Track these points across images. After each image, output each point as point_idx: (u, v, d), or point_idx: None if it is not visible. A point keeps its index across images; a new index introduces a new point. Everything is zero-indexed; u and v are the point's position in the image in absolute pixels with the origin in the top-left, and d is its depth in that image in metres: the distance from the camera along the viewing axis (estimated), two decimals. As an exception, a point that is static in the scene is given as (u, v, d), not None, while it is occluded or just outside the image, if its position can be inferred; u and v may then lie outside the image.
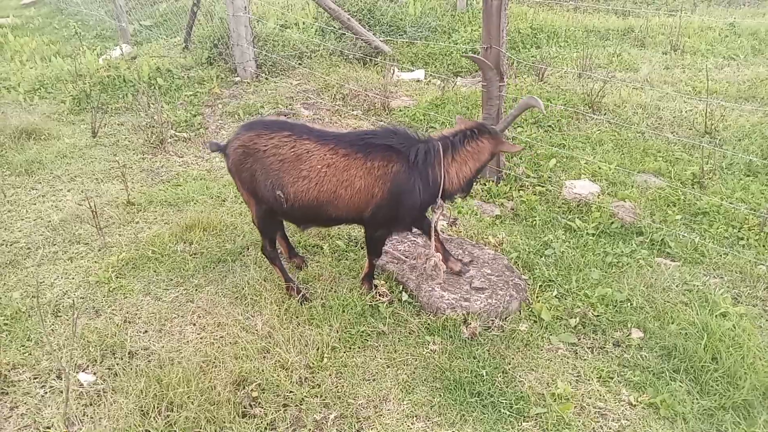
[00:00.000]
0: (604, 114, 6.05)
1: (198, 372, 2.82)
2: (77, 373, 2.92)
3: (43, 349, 3.09)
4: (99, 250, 3.96)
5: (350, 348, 3.09)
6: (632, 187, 4.71)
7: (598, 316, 3.32)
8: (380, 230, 3.30)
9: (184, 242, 4.00)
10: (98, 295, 3.51)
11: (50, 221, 4.34)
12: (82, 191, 4.76)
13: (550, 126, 5.84)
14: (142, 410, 2.65)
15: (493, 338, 3.14)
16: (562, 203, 4.57)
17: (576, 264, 3.78)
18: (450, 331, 3.15)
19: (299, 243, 4.01)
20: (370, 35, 8.11)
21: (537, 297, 3.47)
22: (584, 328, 3.26)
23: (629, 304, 3.40)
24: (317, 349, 3.02)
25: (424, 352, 3.04)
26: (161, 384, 2.75)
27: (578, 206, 4.51)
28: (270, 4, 9.87)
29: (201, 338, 3.12)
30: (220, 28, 7.81)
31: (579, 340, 3.18)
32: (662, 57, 7.63)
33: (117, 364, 2.96)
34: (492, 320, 3.22)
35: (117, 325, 3.24)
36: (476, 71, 7.82)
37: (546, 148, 5.32)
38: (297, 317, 3.27)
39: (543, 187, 4.76)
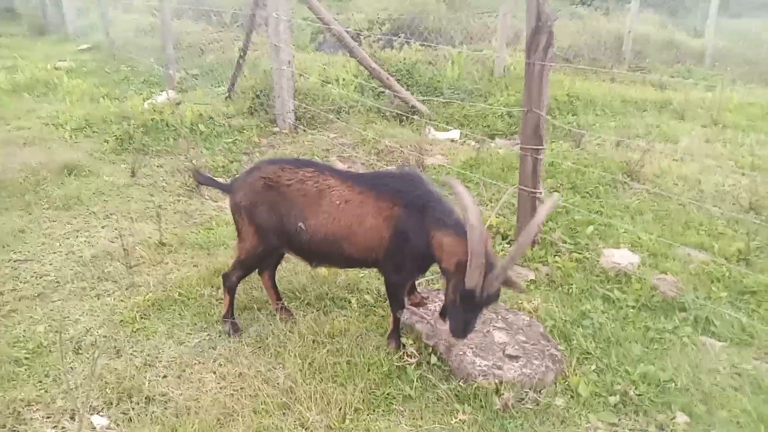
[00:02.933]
0: (644, 183, 5.93)
1: (215, 424, 2.69)
2: (91, 415, 2.82)
3: (60, 388, 3.01)
4: (126, 289, 3.93)
5: (374, 411, 2.93)
6: (674, 259, 4.53)
7: (640, 395, 3.10)
8: (394, 276, 3.28)
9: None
10: (121, 335, 3.44)
11: (81, 257, 4.35)
12: (115, 229, 4.78)
13: (587, 192, 5.73)
14: (154, 461, 2.53)
15: (527, 412, 2.95)
16: (600, 272, 4.40)
17: (615, 337, 3.58)
18: (481, 401, 2.97)
19: (326, 295, 3.91)
20: (407, 94, 8.25)
21: (574, 370, 3.28)
22: (625, 407, 3.05)
23: (673, 384, 3.18)
24: (339, 410, 2.88)
25: (452, 422, 2.87)
26: (175, 433, 2.63)
27: (617, 276, 4.34)
28: (312, 61, 10.18)
29: (221, 388, 3.00)
30: (263, 80, 8.03)
31: (619, 420, 2.96)
32: (702, 130, 7.54)
33: (132, 409, 2.86)
34: (526, 392, 3.04)
35: (137, 367, 3.16)
36: (512, 133, 7.84)
37: (584, 214, 5.20)
38: (320, 373, 3.14)
39: (580, 254, 4.62)
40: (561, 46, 11.86)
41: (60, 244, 4.56)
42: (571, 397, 3.09)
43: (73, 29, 15.08)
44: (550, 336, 3.50)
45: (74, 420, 2.78)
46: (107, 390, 2.98)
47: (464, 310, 2.82)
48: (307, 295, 3.93)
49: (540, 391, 3.07)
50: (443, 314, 3.29)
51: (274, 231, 3.28)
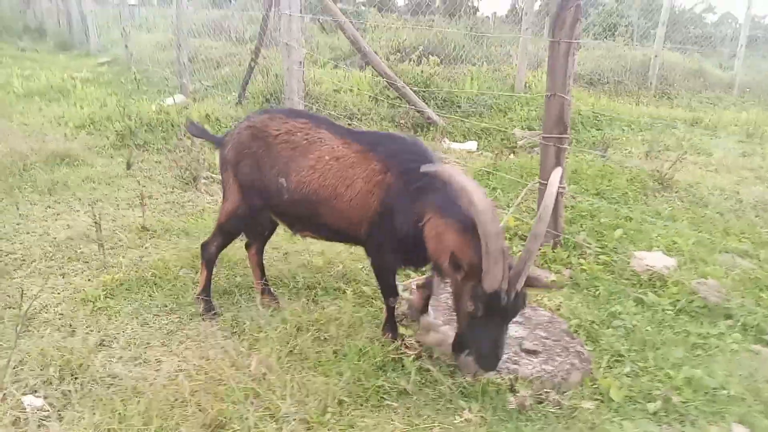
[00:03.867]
0: (676, 192, 5.43)
1: (164, 406, 2.22)
2: (24, 395, 2.36)
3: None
4: (96, 270, 3.52)
5: (362, 405, 2.43)
6: (714, 265, 4.00)
7: (685, 402, 2.56)
8: (376, 258, 2.78)
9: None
10: (79, 314, 3.01)
11: (56, 238, 3.96)
12: (96, 213, 4.41)
13: (614, 198, 5.25)
14: (85, 448, 2.05)
15: (548, 415, 2.43)
16: (631, 275, 3.89)
17: (652, 340, 3.06)
18: (492, 399, 2.46)
19: (319, 284, 3.45)
20: (423, 105, 7.92)
21: (604, 372, 2.75)
22: (667, 415, 2.51)
23: (725, 392, 2.64)
24: (319, 402, 2.38)
25: (455, 422, 2.36)
26: (116, 417, 2.16)
27: (650, 279, 3.82)
28: (328, 74, 9.95)
29: (180, 370, 2.53)
30: (274, 84, 7.78)
31: (661, 429, 2.42)
32: (738, 144, 7.04)
33: (75, 390, 2.40)
34: (546, 392, 2.52)
35: (89, 347, 2.70)
36: (534, 146, 7.41)
37: (611, 218, 4.71)
38: (301, 361, 2.65)
39: (608, 256, 4.11)
40: (584, 70, 11.53)
41: (36, 226, 4.18)
42: (601, 401, 2.56)
43: (95, 45, 15.20)
44: (575, 334, 2.99)
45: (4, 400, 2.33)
46: (50, 369, 2.52)
47: (489, 325, 2.28)
48: (296, 283, 3.48)
49: (564, 393, 2.55)
50: (458, 347, 2.55)
51: (257, 188, 2.86)
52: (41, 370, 2.52)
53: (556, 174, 2.54)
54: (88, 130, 7.10)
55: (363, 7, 17.37)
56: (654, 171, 5.62)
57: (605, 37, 16.79)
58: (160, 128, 7.01)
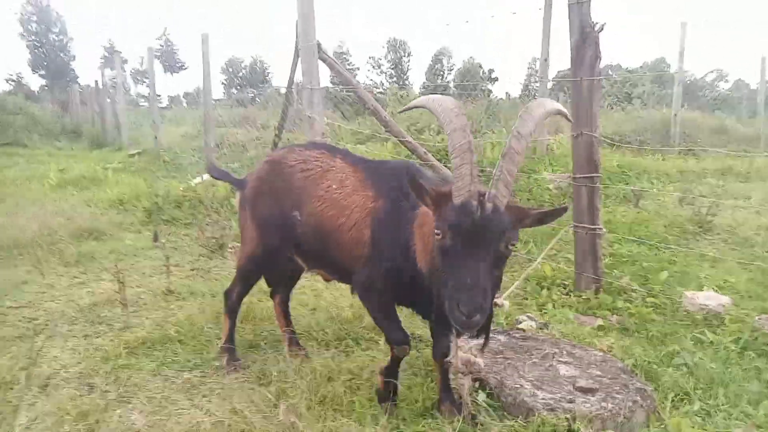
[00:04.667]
0: (718, 234, 5.18)
1: (185, 457, 2.01)
2: (36, 452, 2.18)
3: (14, 422, 2.39)
4: (119, 330, 3.39)
5: (403, 453, 2.18)
6: (774, 302, 3.70)
7: (771, 440, 2.25)
8: (366, 293, 2.46)
9: (215, 325, 3.36)
10: (99, 372, 2.85)
11: (79, 304, 3.87)
12: (122, 275, 4.34)
13: (652, 244, 5.02)
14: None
15: (613, 457, 2.14)
16: (684, 315, 3.61)
17: (720, 377, 2.75)
18: (548, 440, 2.19)
19: (348, 335, 3.26)
20: (446, 170, 7.92)
21: (671, 411, 2.46)
22: (752, 456, 2.19)
23: (816, 428, 2.31)
24: (355, 450, 2.14)
25: (509, 467, 2.08)
26: (133, 470, 1.95)
27: (706, 319, 3.54)
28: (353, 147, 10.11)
29: (203, 423, 2.32)
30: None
31: (749, 469, 2.10)
32: (777, 188, 6.81)
33: (90, 447, 2.21)
34: (608, 433, 2.24)
35: (107, 402, 2.53)
36: (561, 201, 7.26)
37: (653, 262, 4.48)
38: (333, 408, 2.43)
39: (656, 298, 3.85)
40: (605, 132, 11.55)
41: (61, 294, 4.11)
42: (673, 442, 2.26)
43: (127, 140, 15.88)
44: (633, 372, 2.71)
45: (14, 458, 2.14)
46: (65, 425, 2.35)
47: (462, 252, 1.83)
48: (325, 335, 3.29)
49: (628, 434, 2.26)
50: (439, 324, 2.21)
51: (273, 224, 2.71)
52: (57, 426, 2.34)
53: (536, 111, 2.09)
54: (118, 210, 7.22)
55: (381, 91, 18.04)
56: (693, 215, 5.40)
57: (622, 104, 17.00)
58: (188, 204, 7.09)
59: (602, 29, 3.81)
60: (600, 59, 3.84)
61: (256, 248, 2.79)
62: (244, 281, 2.92)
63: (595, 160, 3.96)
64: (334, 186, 2.53)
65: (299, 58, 6.71)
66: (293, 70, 7.42)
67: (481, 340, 2.16)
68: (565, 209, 2.00)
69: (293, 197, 2.64)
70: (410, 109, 2.32)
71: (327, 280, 3.04)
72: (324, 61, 6.68)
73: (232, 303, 2.92)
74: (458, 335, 2.18)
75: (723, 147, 11.28)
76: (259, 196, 2.78)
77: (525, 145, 1.96)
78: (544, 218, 1.97)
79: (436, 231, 1.92)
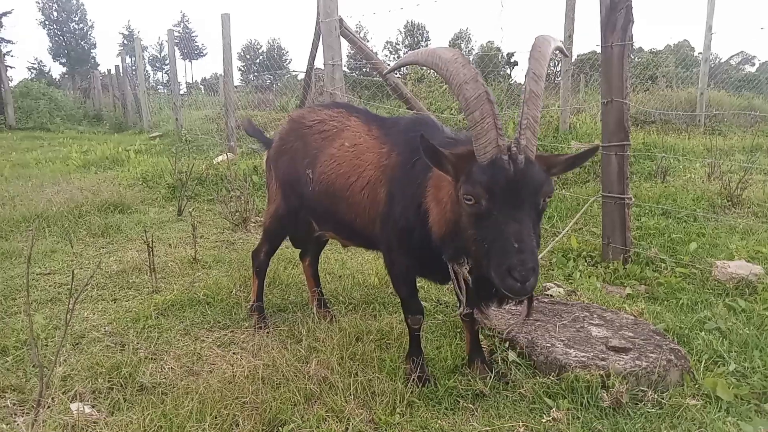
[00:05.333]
0: (748, 207, 5.07)
1: (218, 405, 2.02)
2: (71, 402, 2.21)
3: (51, 375, 2.43)
4: (148, 294, 3.42)
5: (434, 407, 2.17)
6: (809, 271, 3.61)
7: (811, 400, 2.20)
8: (390, 260, 2.34)
9: (244, 290, 3.38)
10: (130, 331, 2.88)
11: (107, 271, 3.92)
12: (150, 240, 4.39)
13: (681, 217, 4.93)
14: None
15: (648, 414, 2.11)
16: (716, 284, 3.55)
17: (755, 341, 2.70)
18: (581, 396, 2.16)
19: (376, 299, 3.26)
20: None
21: (705, 372, 2.42)
22: (791, 414, 2.15)
23: None
24: (387, 403, 2.14)
25: (543, 421, 2.07)
26: (166, 419, 1.97)
27: (737, 287, 3.47)
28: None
29: (235, 376, 2.34)
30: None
31: (789, 427, 2.06)
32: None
33: (123, 398, 2.23)
34: (642, 390, 2.21)
35: (139, 359, 2.56)
36: (585, 182, 7.17)
37: (681, 234, 4.40)
38: (364, 365, 2.43)
39: (684, 268, 3.78)
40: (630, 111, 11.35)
41: (89, 262, 4.17)
42: (707, 401, 2.22)
43: (147, 124, 16.01)
44: (666, 334, 2.67)
45: (48, 408, 2.18)
46: (98, 379, 2.38)
47: (502, 219, 1.66)
48: (353, 299, 3.29)
49: (663, 393, 2.23)
50: (475, 293, 1.98)
51: (292, 184, 2.69)
52: (90, 381, 2.37)
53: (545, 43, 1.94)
54: (141, 187, 7.28)
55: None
56: (722, 189, 5.29)
57: (646, 84, 16.69)
58: (211, 181, 7.13)
59: (634, -8, 3.71)
60: (632, 24, 3.75)
61: (279, 207, 2.80)
62: (270, 240, 2.93)
63: (626, 127, 3.88)
64: (347, 144, 2.46)
65: (321, 36, 6.66)
66: (315, 47, 7.39)
67: (522, 307, 2.06)
68: (596, 148, 1.90)
69: (309, 157, 2.60)
70: (400, 67, 2.22)
71: (344, 245, 3.02)
72: (345, 37, 6.63)
73: (260, 262, 2.93)
74: (501, 302, 1.96)
75: (750, 127, 11.05)
76: (280, 155, 2.78)
77: (543, 86, 1.83)
78: (575, 162, 1.85)
79: (466, 197, 1.72)
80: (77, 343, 2.76)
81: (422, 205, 2.06)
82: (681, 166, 7.02)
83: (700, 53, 11.51)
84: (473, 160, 1.74)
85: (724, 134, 10.54)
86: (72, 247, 4.41)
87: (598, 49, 3.98)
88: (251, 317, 2.91)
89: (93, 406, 2.21)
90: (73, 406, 2.17)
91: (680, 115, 11.08)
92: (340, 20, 6.26)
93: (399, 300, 3.09)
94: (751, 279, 3.51)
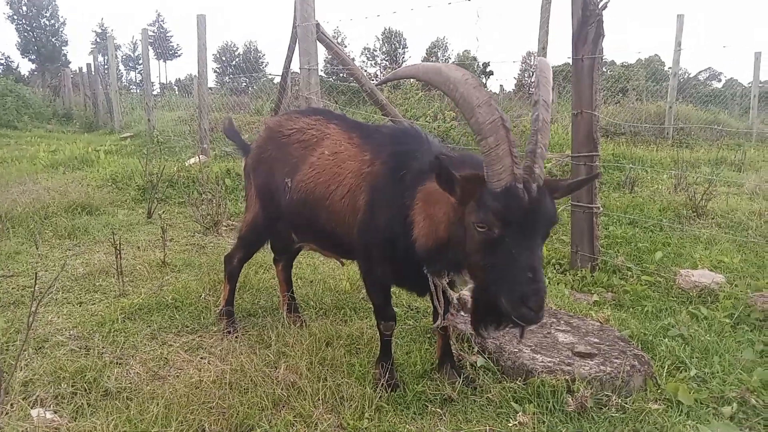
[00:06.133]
0: (712, 218, 5.22)
1: (184, 410, 2.00)
2: (32, 408, 2.16)
3: (11, 380, 2.37)
4: (114, 298, 3.37)
5: (402, 411, 2.18)
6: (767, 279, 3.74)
7: (766, 405, 2.27)
8: (367, 267, 2.33)
9: (213, 294, 3.34)
10: (96, 335, 2.83)
11: (74, 274, 3.84)
12: (118, 241, 4.31)
13: (647, 226, 5.05)
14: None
15: (611, 419, 2.15)
16: (679, 292, 3.64)
17: (714, 347, 2.79)
18: (547, 400, 2.20)
19: (347, 305, 3.26)
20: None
21: (667, 377, 2.48)
22: (747, 419, 2.22)
23: (809, 393, 2.34)
24: (356, 407, 2.15)
25: (509, 425, 2.09)
26: (132, 424, 1.94)
27: (700, 296, 3.57)
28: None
29: (201, 381, 2.31)
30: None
31: None
32: (768, 177, 6.87)
33: (87, 403, 2.19)
34: (607, 395, 2.25)
35: (105, 363, 2.51)
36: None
37: (648, 243, 4.51)
38: (333, 370, 2.43)
39: (650, 276, 3.88)
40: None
41: (54, 264, 4.08)
42: (669, 405, 2.28)
43: (119, 124, 15.75)
44: (630, 340, 2.73)
45: (7, 414, 2.12)
46: (62, 384, 2.33)
47: (513, 247, 1.65)
48: (323, 304, 3.28)
49: (626, 397, 2.28)
50: (479, 315, 1.90)
51: (270, 193, 2.67)
52: (53, 386, 2.32)
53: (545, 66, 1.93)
54: (110, 189, 7.15)
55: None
56: (687, 200, 5.44)
57: (617, 97, 17.03)
58: (182, 184, 7.04)
59: (605, 7, 3.81)
60: (603, 37, 3.84)
61: (257, 216, 2.78)
62: (245, 247, 2.90)
63: (595, 138, 3.97)
64: (326, 152, 2.44)
65: (297, 40, 6.65)
66: (291, 50, 7.37)
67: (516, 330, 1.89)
68: (597, 175, 1.94)
69: (288, 166, 2.57)
70: (395, 80, 2.18)
71: (325, 256, 3.01)
72: (322, 41, 6.62)
73: (233, 268, 2.91)
74: (500, 326, 1.87)
75: (716, 141, 11.38)
76: (258, 164, 2.76)
77: (549, 110, 1.81)
78: (577, 187, 1.87)
79: (478, 225, 1.69)
80: (40, 348, 2.70)
81: (408, 217, 2.04)
82: (649, 177, 7.20)
83: (670, 68, 11.83)
84: (483, 186, 1.71)
85: (691, 147, 10.83)
86: (37, 248, 4.31)
87: (570, 61, 4.06)
88: (220, 321, 2.89)
89: (55, 412, 2.16)
90: (34, 412, 2.12)
91: (649, 127, 11.36)
92: (317, 25, 6.26)
93: (371, 305, 3.11)
94: (713, 287, 3.61)
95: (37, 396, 2.23)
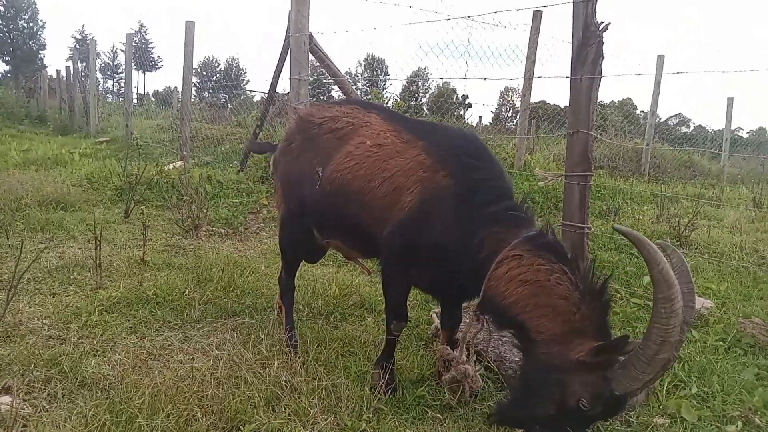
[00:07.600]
0: (695, 248, 5.28)
1: (173, 398, 1.85)
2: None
3: (-29, 370, 2.19)
4: (92, 290, 3.19)
5: (402, 415, 2.08)
6: (754, 306, 3.76)
7: (770, 424, 2.23)
8: (392, 267, 2.23)
9: (196, 290, 3.19)
10: (71, 326, 2.65)
11: (47, 266, 3.64)
12: (93, 248, 4.12)
13: (632, 254, 5.07)
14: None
15: (617, 431, 2.08)
16: (669, 315, 3.62)
17: (711, 368, 2.75)
18: (551, 410, 2.11)
19: (337, 310, 3.14)
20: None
21: (666, 395, 2.43)
22: (753, 437, 2.17)
23: (811, 415, 2.31)
24: (353, 408, 2.03)
25: (513, 433, 2.00)
26: (114, 413, 1.79)
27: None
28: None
29: (190, 375, 2.17)
30: (278, 150, 7.75)
31: (752, 448, 2.08)
32: (747, 212, 7.02)
33: (63, 392, 2.03)
34: (611, 408, 2.18)
35: (82, 353, 2.34)
36: (538, 217, 7.32)
37: (635, 269, 4.52)
38: (328, 370, 2.31)
39: (639, 299, 3.86)
40: (578, 156, 11.77)
41: (26, 256, 3.85)
42: (673, 421, 2.22)
43: (95, 128, 15.41)
44: (628, 357, 2.67)
45: (-25, 399, 1.94)
46: (33, 372, 2.16)
47: (577, 423, 1.75)
48: (312, 309, 3.16)
49: (630, 411, 2.22)
50: (513, 420, 1.95)
51: (293, 184, 2.50)
52: (24, 373, 2.15)
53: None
54: (86, 188, 6.91)
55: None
56: (671, 229, 5.50)
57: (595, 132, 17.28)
58: (162, 188, 6.86)
59: (606, 29, 3.86)
60: (603, 59, 3.88)
61: (283, 216, 2.64)
62: (284, 256, 2.76)
63: (589, 158, 3.97)
64: (368, 143, 2.28)
65: (289, 50, 6.60)
66: (282, 60, 7.32)
67: None
68: (626, 337, 1.80)
69: (320, 156, 2.40)
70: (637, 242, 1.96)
71: (347, 257, 2.84)
72: (314, 53, 6.60)
73: (283, 285, 2.75)
74: None
75: (690, 180, 11.67)
76: (284, 155, 2.60)
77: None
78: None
79: (583, 399, 1.72)
80: (8, 336, 2.51)
81: (482, 254, 1.95)
82: (629, 208, 7.29)
83: (643, 111, 12.16)
84: (612, 366, 1.72)
85: (667, 184, 11.07)
86: (8, 239, 4.09)
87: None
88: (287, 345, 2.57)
89: (24, 400, 1.99)
90: (2, 399, 1.95)
91: (627, 162, 11.61)
92: (310, 36, 6.23)
93: (360, 312, 2.99)
94: (703, 312, 3.61)
95: (5, 383, 2.06)
